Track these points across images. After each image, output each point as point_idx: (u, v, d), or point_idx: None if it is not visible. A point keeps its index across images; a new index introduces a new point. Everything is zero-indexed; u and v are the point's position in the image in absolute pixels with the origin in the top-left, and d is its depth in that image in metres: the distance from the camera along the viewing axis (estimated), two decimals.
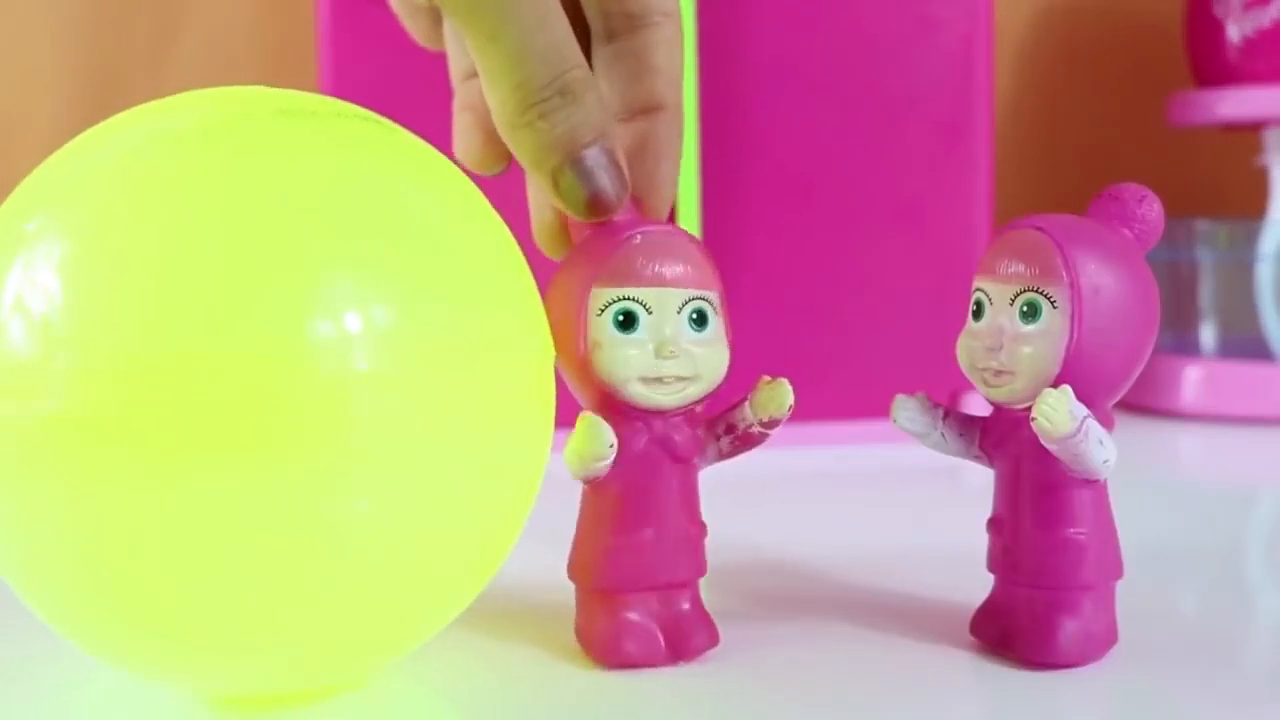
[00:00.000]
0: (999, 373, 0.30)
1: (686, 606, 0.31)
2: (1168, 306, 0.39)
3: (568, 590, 0.32)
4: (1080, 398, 0.29)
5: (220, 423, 0.23)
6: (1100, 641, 0.31)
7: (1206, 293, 0.69)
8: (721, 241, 0.53)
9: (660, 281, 0.30)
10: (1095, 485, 0.30)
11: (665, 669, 0.31)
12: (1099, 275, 0.29)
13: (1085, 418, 0.29)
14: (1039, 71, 0.82)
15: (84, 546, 0.25)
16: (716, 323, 0.30)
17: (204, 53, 0.73)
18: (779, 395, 0.31)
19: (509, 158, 0.35)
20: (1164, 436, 0.63)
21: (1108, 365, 0.30)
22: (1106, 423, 0.30)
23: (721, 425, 0.31)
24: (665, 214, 0.34)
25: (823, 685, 0.30)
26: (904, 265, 0.59)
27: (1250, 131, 0.73)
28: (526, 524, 0.29)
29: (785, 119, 0.58)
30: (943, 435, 0.32)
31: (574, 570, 0.31)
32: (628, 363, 0.29)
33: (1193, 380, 0.66)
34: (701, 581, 0.32)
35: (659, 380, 0.30)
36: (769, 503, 0.48)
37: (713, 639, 0.32)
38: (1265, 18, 0.66)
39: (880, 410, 0.33)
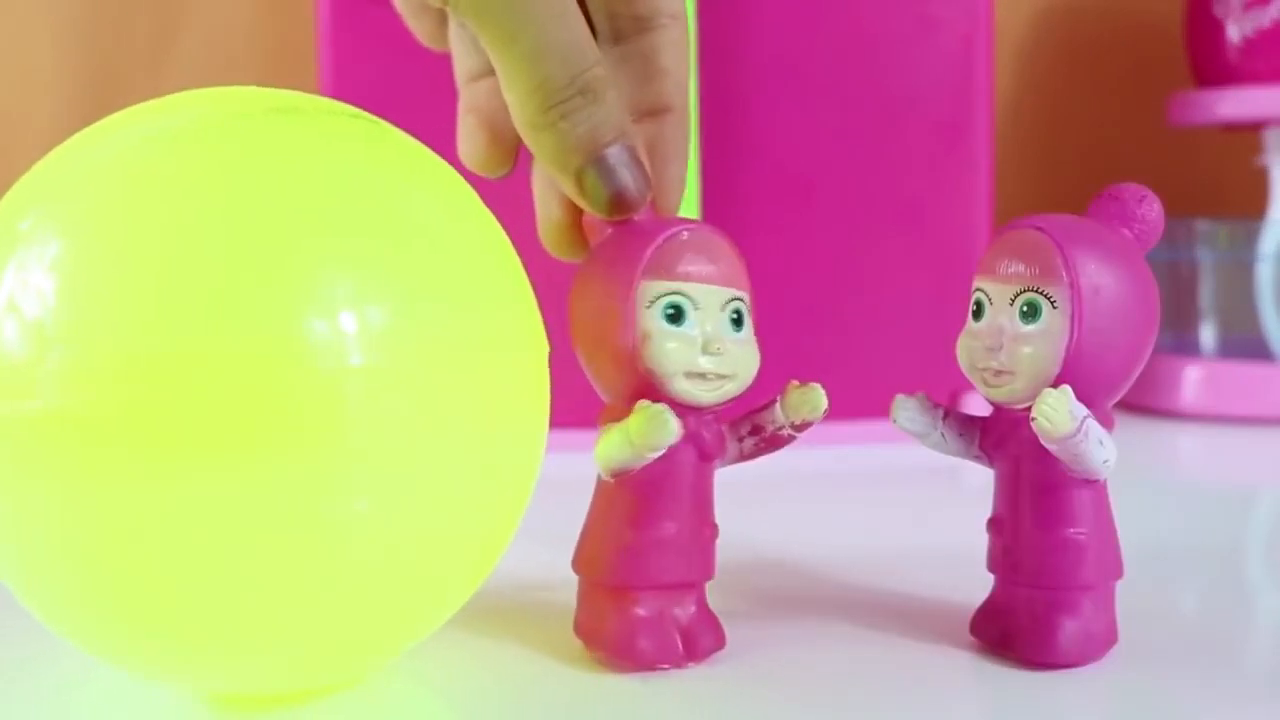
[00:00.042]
0: (999, 373, 0.30)
1: (693, 608, 0.31)
2: (1168, 306, 0.39)
3: (565, 589, 0.32)
4: (1080, 398, 0.29)
5: (216, 421, 0.23)
6: (1100, 641, 0.31)
7: (1206, 293, 0.69)
8: None
9: (708, 279, 0.30)
10: (1095, 485, 0.30)
11: (671, 670, 0.31)
12: (1099, 275, 0.29)
13: (1085, 418, 0.29)
14: (1039, 71, 0.82)
15: (80, 546, 0.24)
16: (749, 323, 0.31)
17: (204, 53, 0.73)
18: (813, 398, 0.31)
19: (513, 160, 0.35)
20: (1164, 436, 0.63)
21: (1108, 365, 0.30)
22: (1106, 423, 0.30)
23: (746, 426, 0.31)
24: (674, 215, 0.34)
25: (823, 686, 0.30)
26: (904, 265, 0.59)
27: (1250, 131, 0.73)
28: (522, 523, 0.29)
29: (785, 119, 0.58)
30: (943, 435, 0.32)
31: (582, 563, 0.31)
32: (675, 356, 0.29)
33: (1193, 380, 0.66)
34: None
35: (702, 376, 0.30)
36: (769, 503, 0.48)
37: (719, 641, 0.32)
38: (1265, 18, 0.66)
39: (880, 410, 0.33)
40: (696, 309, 0.30)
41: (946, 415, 0.32)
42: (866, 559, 0.40)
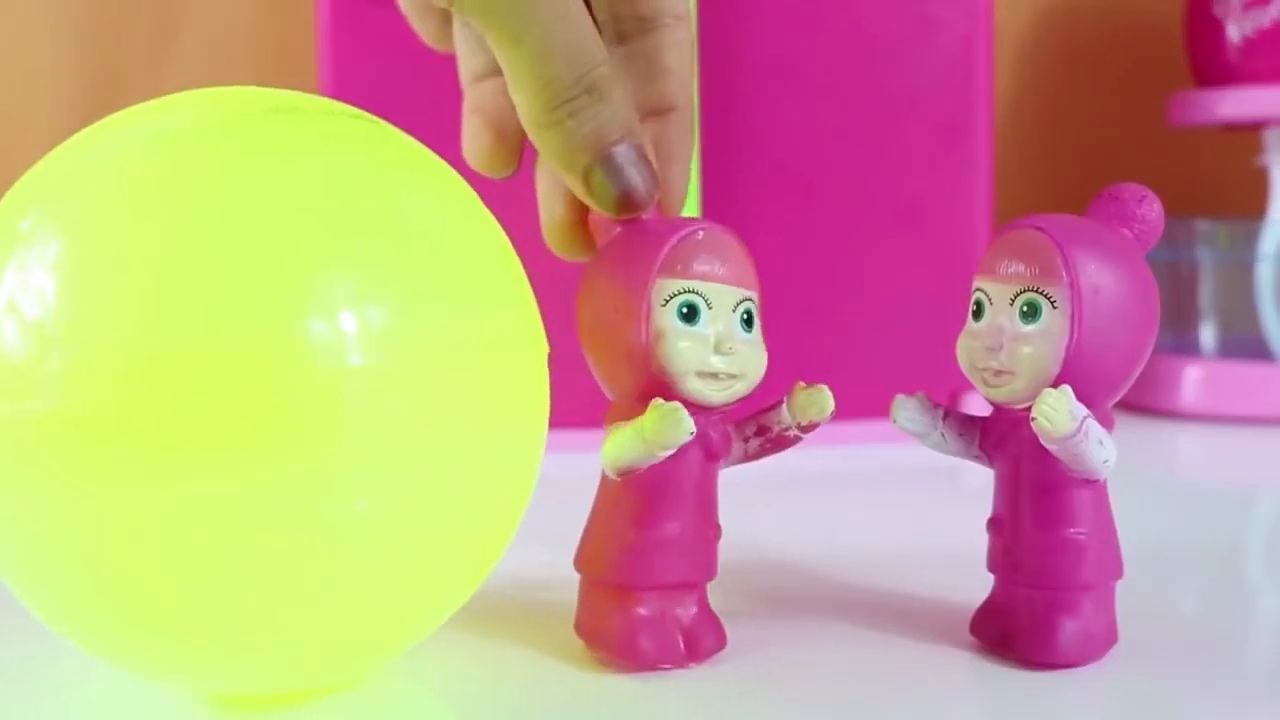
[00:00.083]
0: (999, 373, 0.30)
1: (695, 609, 0.31)
2: (1168, 306, 0.39)
3: (565, 589, 0.32)
4: (1080, 398, 0.29)
5: (216, 422, 0.23)
6: (1100, 641, 0.31)
7: (1206, 293, 0.69)
8: None
9: (721, 279, 0.30)
10: (1095, 485, 0.30)
11: (672, 670, 0.31)
12: (1099, 275, 0.29)
13: (1085, 418, 0.29)
14: (1039, 71, 0.82)
15: (81, 546, 0.24)
16: (758, 324, 0.31)
17: (204, 53, 0.73)
18: (820, 399, 0.31)
19: (518, 160, 0.35)
20: (1164, 436, 0.63)
21: (1108, 365, 0.30)
22: (1106, 423, 0.30)
23: (751, 427, 0.32)
24: (678, 214, 0.34)
25: (824, 686, 0.30)
26: (904, 265, 0.59)
27: (1250, 131, 0.73)
28: (523, 522, 0.29)
29: (785, 119, 0.58)
30: (943, 435, 0.32)
31: (584, 562, 0.31)
32: (688, 355, 0.29)
33: (1193, 380, 0.66)
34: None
35: (713, 376, 0.30)
36: (770, 503, 0.48)
37: (721, 641, 0.32)
38: (1265, 18, 0.66)
39: (880, 410, 0.33)
40: (709, 308, 0.30)
41: (946, 415, 0.32)
42: (866, 559, 0.40)
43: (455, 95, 0.36)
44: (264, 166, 0.26)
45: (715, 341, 0.30)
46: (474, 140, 0.35)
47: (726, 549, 0.32)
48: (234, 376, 0.23)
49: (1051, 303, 0.29)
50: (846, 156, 0.58)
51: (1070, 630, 0.30)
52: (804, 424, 0.31)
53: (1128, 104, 0.82)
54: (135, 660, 0.27)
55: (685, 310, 0.29)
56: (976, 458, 0.32)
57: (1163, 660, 0.31)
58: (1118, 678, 0.30)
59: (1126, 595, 0.32)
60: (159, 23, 0.72)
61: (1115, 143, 0.82)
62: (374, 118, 0.29)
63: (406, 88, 0.49)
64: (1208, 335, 0.69)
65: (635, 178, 0.31)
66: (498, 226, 0.29)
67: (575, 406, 0.33)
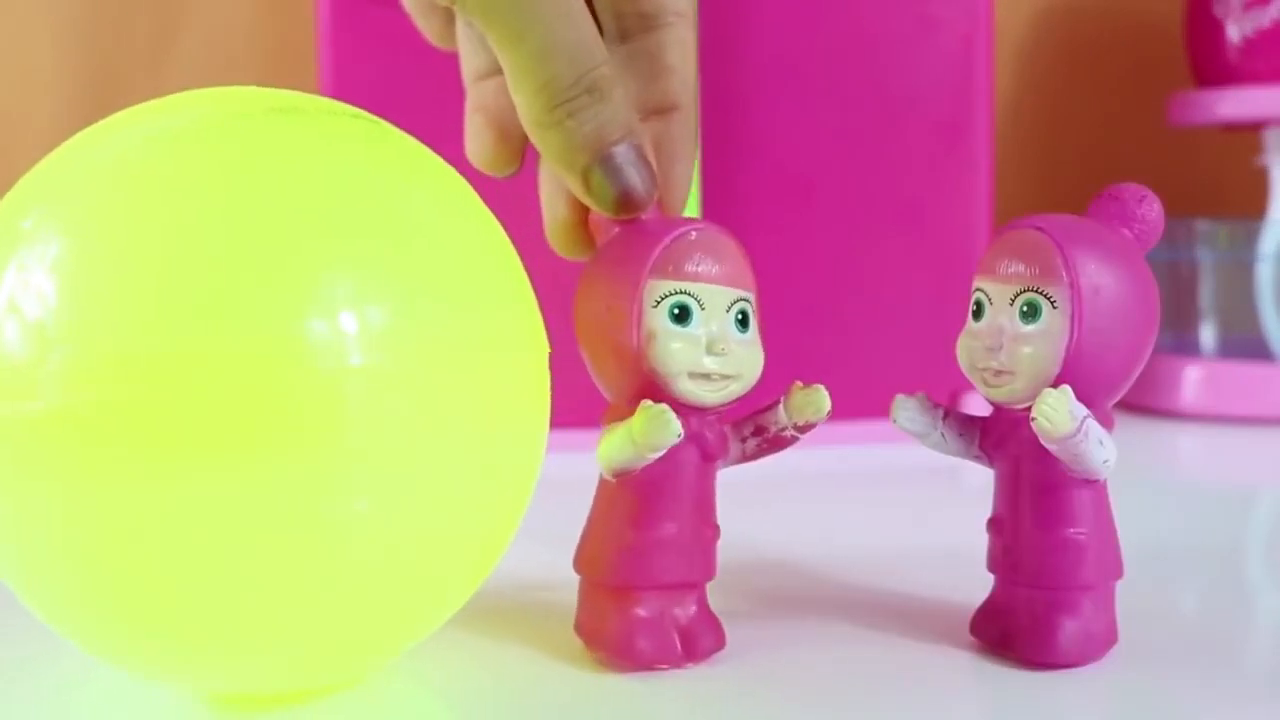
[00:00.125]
0: (999, 373, 0.30)
1: (694, 609, 0.31)
2: (1168, 306, 0.39)
3: (565, 589, 0.32)
4: (1080, 398, 0.29)
5: (216, 422, 0.23)
6: (1100, 641, 0.31)
7: (1206, 293, 0.69)
8: None
9: (714, 279, 0.30)
10: (1095, 485, 0.30)
11: (672, 670, 0.31)
12: (1099, 275, 0.29)
13: (1085, 418, 0.29)
14: (1039, 71, 0.82)
15: (81, 546, 0.25)
16: (754, 324, 0.31)
17: (204, 53, 0.73)
18: (816, 400, 0.31)
19: (521, 159, 0.35)
20: (1164, 436, 0.63)
21: (1108, 365, 0.30)
22: (1106, 423, 0.30)
23: (749, 427, 0.32)
24: (680, 214, 0.34)
25: (823, 686, 0.30)
26: (904, 265, 0.59)
27: (1250, 131, 0.73)
28: (523, 522, 0.29)
29: (785, 119, 0.58)
30: (943, 435, 0.32)
31: (583, 563, 0.31)
32: (680, 356, 0.29)
33: (1193, 380, 0.66)
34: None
35: (706, 377, 0.30)
36: (769, 503, 0.48)
37: (720, 641, 0.32)
38: (1265, 18, 0.66)
39: (880, 410, 0.33)
40: (702, 309, 0.30)
41: (946, 415, 0.32)
42: (866, 559, 0.40)
43: (456, 95, 0.36)
44: (264, 166, 0.26)
45: (708, 342, 0.30)
46: (477, 139, 0.35)
47: (726, 549, 0.32)
48: (234, 376, 0.23)
49: (1051, 303, 0.29)
50: (846, 156, 0.58)
51: (1070, 630, 0.30)
52: (800, 424, 0.31)
53: (1128, 104, 0.82)
54: (135, 660, 0.27)
55: (677, 311, 0.29)
56: (976, 458, 0.32)
57: (1163, 660, 0.31)
58: (1118, 678, 0.30)
59: (1126, 595, 0.32)
60: (159, 23, 0.72)
61: (1115, 143, 0.82)
62: (374, 118, 0.29)
63: (407, 87, 0.49)
64: (1208, 335, 0.69)
65: (634, 178, 0.31)
66: (498, 226, 0.29)
67: (575, 406, 0.33)
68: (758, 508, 0.46)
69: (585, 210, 0.32)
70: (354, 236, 0.25)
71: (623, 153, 0.30)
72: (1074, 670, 0.30)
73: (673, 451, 0.30)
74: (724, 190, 0.57)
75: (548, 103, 0.30)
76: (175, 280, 0.24)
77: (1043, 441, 0.29)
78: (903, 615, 0.34)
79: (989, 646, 0.32)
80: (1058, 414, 0.28)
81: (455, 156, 0.31)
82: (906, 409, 0.32)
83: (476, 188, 0.29)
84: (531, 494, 0.29)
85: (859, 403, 0.50)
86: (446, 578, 0.28)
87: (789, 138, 0.58)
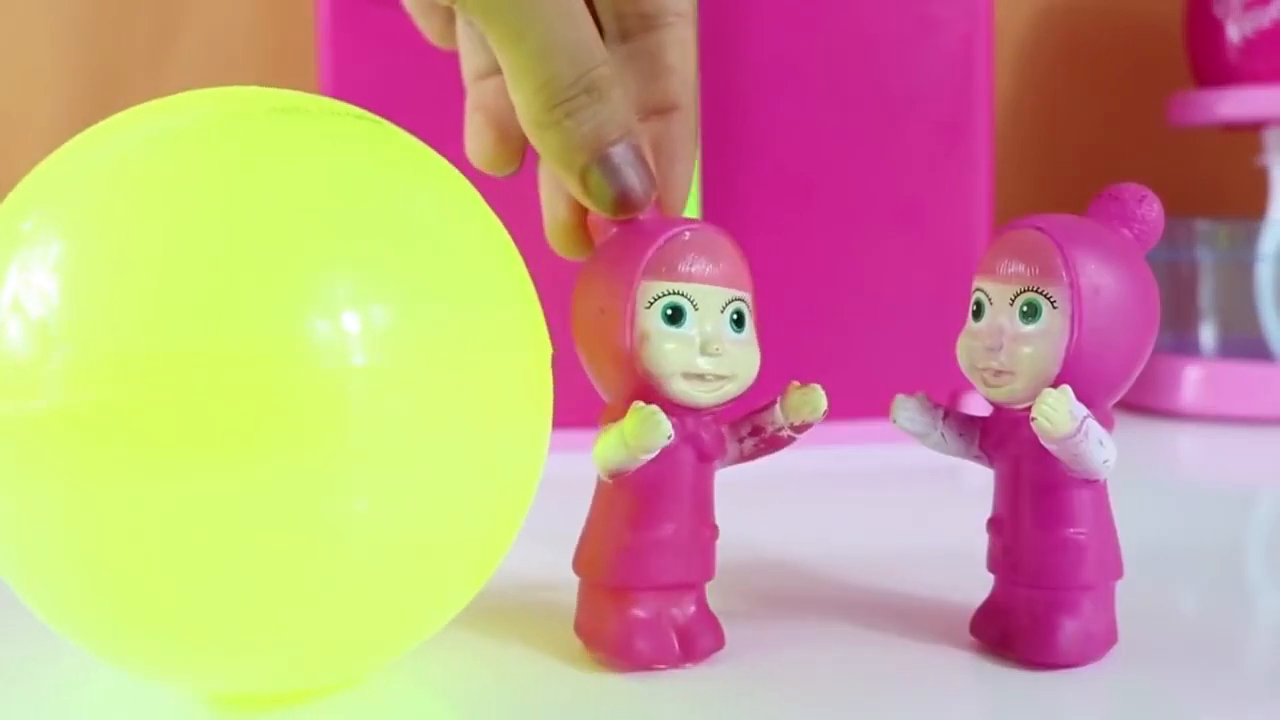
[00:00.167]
0: (999, 373, 0.30)
1: (693, 609, 0.31)
2: (1168, 306, 0.39)
3: (567, 589, 0.32)
4: (1080, 398, 0.29)
5: (218, 421, 0.23)
6: (1100, 641, 0.31)
7: (1206, 293, 0.69)
8: None
9: (708, 279, 0.30)
10: (1095, 485, 0.30)
11: (671, 670, 0.31)
12: (1099, 275, 0.29)
13: (1085, 418, 0.29)
14: (1039, 71, 0.82)
15: (82, 545, 0.25)
16: (751, 324, 0.31)
17: (204, 53, 0.73)
18: (813, 399, 0.31)
19: (521, 158, 0.35)
20: (1164, 436, 0.63)
21: (1108, 365, 0.30)
22: (1106, 423, 0.30)
23: (746, 427, 0.31)
24: (680, 214, 0.34)
25: (823, 686, 0.30)
26: (904, 265, 0.59)
27: (1250, 131, 0.73)
28: (524, 522, 0.29)
29: (785, 119, 0.58)
30: (943, 435, 0.32)
31: (581, 564, 0.31)
32: (673, 357, 0.29)
33: (1193, 380, 0.66)
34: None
35: (700, 377, 0.30)
36: (769, 503, 0.48)
37: (719, 641, 0.32)
38: (1265, 18, 0.66)
39: (880, 410, 0.33)
40: (696, 310, 0.30)
41: (946, 415, 0.32)
42: (866, 559, 0.40)
43: (456, 95, 0.36)
44: (266, 166, 0.26)
45: (701, 343, 0.30)
46: (476, 138, 0.35)
47: (725, 549, 0.32)
48: (236, 376, 0.23)
49: (1051, 303, 0.29)
50: (846, 156, 0.58)
51: (1070, 630, 0.30)
52: (797, 424, 0.31)
53: (1128, 104, 0.82)
54: (136, 660, 0.27)
55: (670, 312, 0.29)
56: (976, 458, 0.32)
57: (1163, 660, 0.31)
58: (1118, 678, 0.30)
59: (1126, 595, 0.32)
60: (159, 23, 0.72)
61: (1115, 143, 0.82)
62: (377, 118, 0.29)
63: (407, 87, 0.49)
64: (1208, 335, 0.69)
65: (632, 178, 0.31)
66: (501, 227, 0.29)
67: (575, 406, 0.33)
68: (757, 508, 0.46)
69: (585, 210, 0.32)
70: (355, 236, 0.25)
71: (620, 153, 0.30)
72: (1074, 670, 0.30)
73: (669, 452, 0.30)
74: (724, 190, 0.57)
75: (546, 102, 0.30)
76: (177, 280, 0.24)
77: (1043, 441, 0.29)
78: (903, 615, 0.34)
79: (989, 646, 0.32)
80: (1058, 414, 0.28)
81: (455, 156, 0.31)
82: (906, 409, 0.32)
83: (477, 187, 0.29)
84: (534, 494, 0.29)
85: (859, 403, 0.50)
86: (448, 578, 0.28)
87: (789, 138, 0.58)
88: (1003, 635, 0.31)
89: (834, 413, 0.32)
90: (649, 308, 0.29)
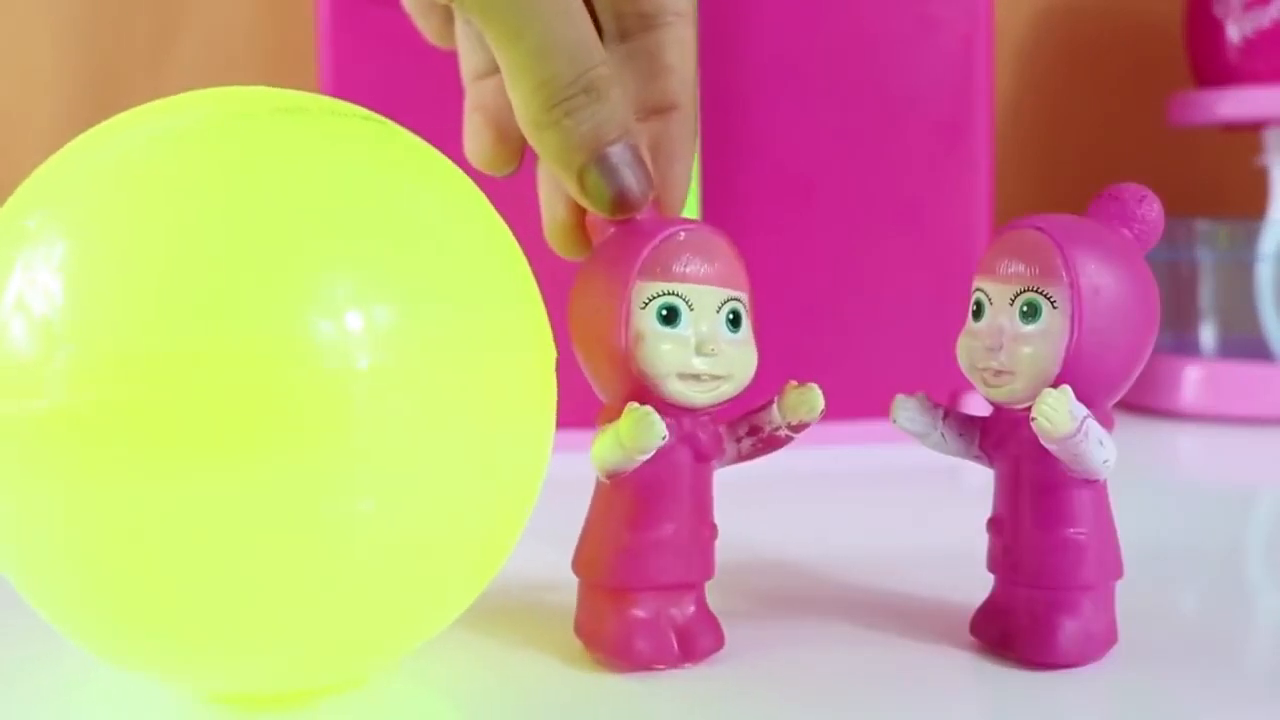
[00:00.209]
0: (999, 373, 0.30)
1: (692, 609, 0.31)
2: (1168, 306, 0.39)
3: (569, 589, 0.32)
4: (1080, 398, 0.29)
5: (220, 421, 0.23)
6: (1100, 641, 0.31)
7: (1206, 293, 0.69)
8: None
9: (703, 279, 0.30)
10: (1095, 485, 0.30)
11: (671, 670, 0.31)
12: (1099, 275, 0.29)
13: (1085, 418, 0.29)
14: (1039, 71, 0.82)
15: (85, 544, 0.25)
16: (747, 324, 0.31)
17: (204, 53, 0.73)
18: (810, 399, 0.31)
19: (519, 158, 0.35)
20: (1164, 436, 0.63)
21: (1108, 365, 0.30)
22: (1106, 423, 0.30)
23: (744, 427, 0.31)
24: (679, 214, 0.34)
25: (823, 686, 0.30)
26: (904, 265, 0.59)
27: (1250, 131, 0.73)
28: (527, 523, 0.29)
29: (785, 119, 0.58)
30: (943, 435, 0.32)
31: (581, 565, 0.31)
32: (669, 357, 0.29)
33: (1193, 380, 0.66)
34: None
35: (696, 378, 0.30)
36: (769, 503, 0.48)
37: (718, 641, 0.32)
38: (1265, 18, 0.66)
39: (880, 410, 0.33)
40: (691, 310, 0.30)
41: (946, 415, 0.32)
42: (866, 559, 0.40)
43: (456, 95, 0.36)
44: (271, 166, 0.26)
45: (697, 343, 0.30)
46: (475, 138, 0.35)
47: (725, 549, 0.32)
48: (239, 376, 0.23)
49: (1051, 303, 0.29)
50: (846, 156, 0.58)
51: (1070, 630, 0.30)
52: (795, 424, 0.31)
53: (1128, 104, 0.82)
54: (140, 660, 0.27)
55: (665, 312, 0.29)
56: (976, 458, 0.32)
57: (1163, 660, 0.31)
58: (1118, 678, 0.30)
59: (1126, 595, 0.32)
60: (159, 23, 0.72)
61: (1115, 143, 0.82)
62: (381, 118, 0.29)
63: (407, 87, 0.49)
64: (1208, 335, 0.69)
65: (630, 178, 0.30)
66: (505, 228, 0.29)
67: (574, 407, 0.33)
68: (756, 508, 0.46)
69: (583, 210, 0.32)
70: (359, 236, 0.25)
71: (618, 153, 0.30)
72: (1074, 670, 0.30)
73: (667, 452, 0.30)
74: (724, 190, 0.57)
75: (545, 102, 0.30)
76: (181, 280, 0.24)
77: (1043, 441, 0.29)
78: (903, 615, 0.34)
79: (989, 646, 0.32)
80: (1058, 414, 0.28)
81: (455, 156, 0.31)
82: (906, 409, 0.32)
83: (480, 186, 0.29)
84: (538, 495, 0.29)
85: (859, 403, 0.50)
86: (451, 579, 0.28)
87: (789, 138, 0.58)
88: (1003, 635, 0.31)
89: (834, 413, 0.32)
90: (644, 308, 0.29)
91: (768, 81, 0.58)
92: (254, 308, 0.24)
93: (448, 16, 0.36)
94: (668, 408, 0.29)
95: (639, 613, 0.31)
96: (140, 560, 0.24)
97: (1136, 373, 0.30)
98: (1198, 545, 0.44)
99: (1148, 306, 0.30)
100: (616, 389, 0.30)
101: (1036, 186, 0.81)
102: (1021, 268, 0.30)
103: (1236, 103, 0.67)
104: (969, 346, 0.31)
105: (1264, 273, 0.67)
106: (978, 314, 0.31)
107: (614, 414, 0.30)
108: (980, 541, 0.32)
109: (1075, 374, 0.29)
